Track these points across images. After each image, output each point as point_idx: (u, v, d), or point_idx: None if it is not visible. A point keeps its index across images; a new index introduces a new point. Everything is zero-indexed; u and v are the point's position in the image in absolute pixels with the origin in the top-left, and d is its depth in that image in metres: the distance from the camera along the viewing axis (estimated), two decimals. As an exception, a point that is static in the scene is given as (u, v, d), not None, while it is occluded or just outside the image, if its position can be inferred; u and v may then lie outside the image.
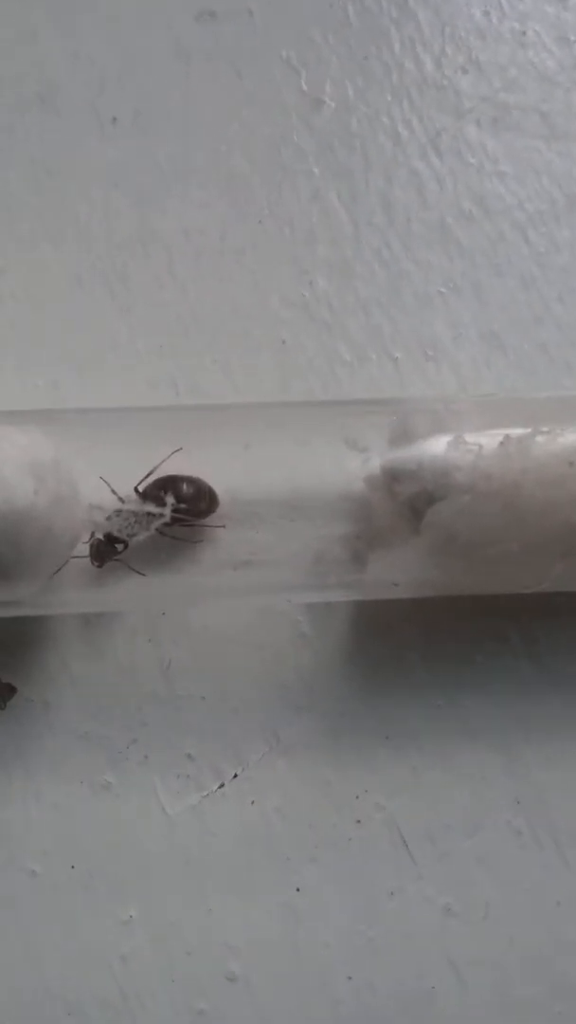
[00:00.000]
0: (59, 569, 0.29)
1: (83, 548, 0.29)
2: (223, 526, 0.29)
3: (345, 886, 0.30)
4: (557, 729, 0.31)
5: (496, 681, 0.31)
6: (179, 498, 0.28)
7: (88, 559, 0.29)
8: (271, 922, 0.30)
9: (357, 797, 0.31)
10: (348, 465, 0.29)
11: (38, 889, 0.30)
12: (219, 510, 0.29)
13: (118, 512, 0.28)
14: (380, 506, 0.29)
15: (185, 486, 0.29)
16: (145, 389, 0.33)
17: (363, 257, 0.34)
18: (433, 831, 0.30)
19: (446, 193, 0.35)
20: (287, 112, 0.35)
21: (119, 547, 0.29)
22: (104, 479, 0.29)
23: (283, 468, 0.30)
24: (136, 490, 0.29)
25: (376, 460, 0.29)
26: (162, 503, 0.28)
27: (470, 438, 0.28)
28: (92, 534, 0.29)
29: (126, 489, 0.29)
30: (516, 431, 0.28)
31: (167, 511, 0.28)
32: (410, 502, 0.28)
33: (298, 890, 0.30)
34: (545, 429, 0.28)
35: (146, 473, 0.29)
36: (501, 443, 0.28)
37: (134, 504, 0.28)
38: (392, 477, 0.28)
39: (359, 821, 0.30)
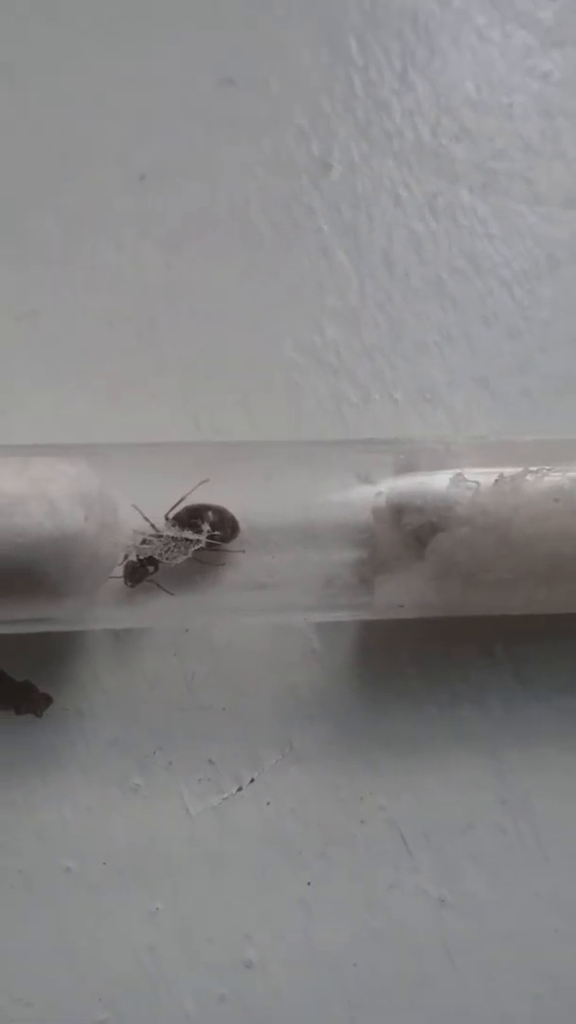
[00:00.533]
0: (99, 588, 0.30)
1: (118, 570, 0.30)
2: (243, 551, 0.31)
3: (351, 880, 0.31)
4: (539, 738, 0.32)
5: (486, 695, 0.32)
6: (210, 532, 0.30)
7: (121, 579, 0.30)
8: (285, 913, 0.31)
9: (362, 799, 0.32)
10: (357, 498, 0.30)
11: (72, 884, 0.31)
12: (240, 536, 0.31)
13: (157, 536, 0.30)
14: (386, 535, 0.30)
15: (210, 514, 0.30)
16: (169, 425, 0.34)
17: (367, 308, 0.36)
18: (429, 830, 0.32)
19: (441, 251, 0.36)
20: (299, 174, 0.37)
21: (151, 569, 0.30)
22: (136, 507, 0.30)
23: (298, 499, 0.31)
24: (166, 517, 0.30)
25: (383, 494, 0.30)
26: (196, 529, 0.30)
27: (469, 476, 0.30)
28: (125, 556, 0.30)
29: (157, 516, 0.30)
30: (509, 470, 0.30)
31: (203, 537, 0.30)
32: (415, 532, 0.30)
33: (309, 884, 0.31)
34: (534, 469, 0.30)
35: (175, 502, 0.30)
36: (496, 481, 0.29)
37: (173, 530, 0.30)
38: (398, 509, 0.30)
39: (363, 821, 0.32)
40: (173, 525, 0.30)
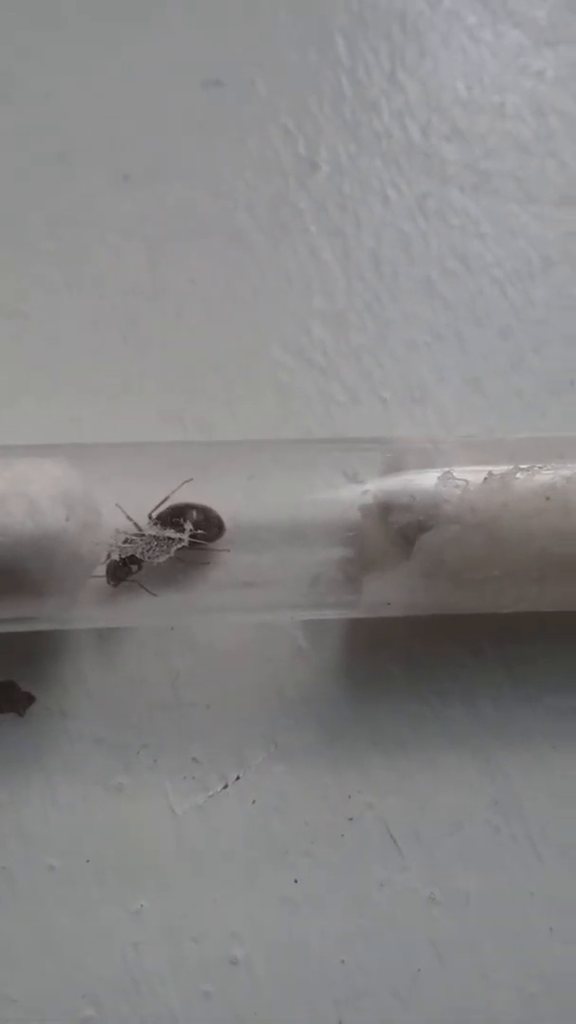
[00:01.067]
0: (82, 587, 0.31)
1: (100, 569, 0.30)
2: (228, 550, 0.30)
3: (339, 878, 0.31)
4: (530, 736, 0.32)
5: (476, 693, 0.32)
6: (193, 531, 0.30)
7: (104, 579, 0.30)
8: (271, 911, 0.31)
9: (349, 797, 0.32)
10: (344, 496, 0.30)
11: (56, 882, 0.31)
12: (225, 535, 0.31)
13: (139, 536, 0.30)
14: (373, 533, 0.30)
15: (195, 513, 0.30)
16: (156, 425, 0.34)
17: (355, 308, 0.36)
18: (419, 828, 0.31)
19: (431, 251, 0.37)
20: (286, 174, 0.37)
21: (134, 568, 0.30)
22: (120, 506, 0.30)
23: (284, 498, 0.31)
24: (150, 516, 0.30)
25: (371, 492, 0.30)
26: (179, 528, 0.30)
27: (457, 474, 0.30)
28: (108, 555, 0.30)
29: (141, 516, 0.30)
30: (498, 468, 0.30)
31: (186, 536, 0.30)
32: (402, 530, 0.30)
33: (296, 882, 0.31)
34: (524, 467, 0.30)
35: (159, 501, 0.30)
36: (485, 479, 0.29)
37: (155, 529, 0.30)
38: (386, 507, 0.30)
39: (351, 819, 0.32)
40: (156, 524, 0.30)
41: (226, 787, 0.32)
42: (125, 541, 0.30)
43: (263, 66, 0.38)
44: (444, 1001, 0.31)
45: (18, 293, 0.35)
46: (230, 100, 0.38)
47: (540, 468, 0.30)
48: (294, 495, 0.31)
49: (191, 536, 0.30)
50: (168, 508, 0.31)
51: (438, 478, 0.30)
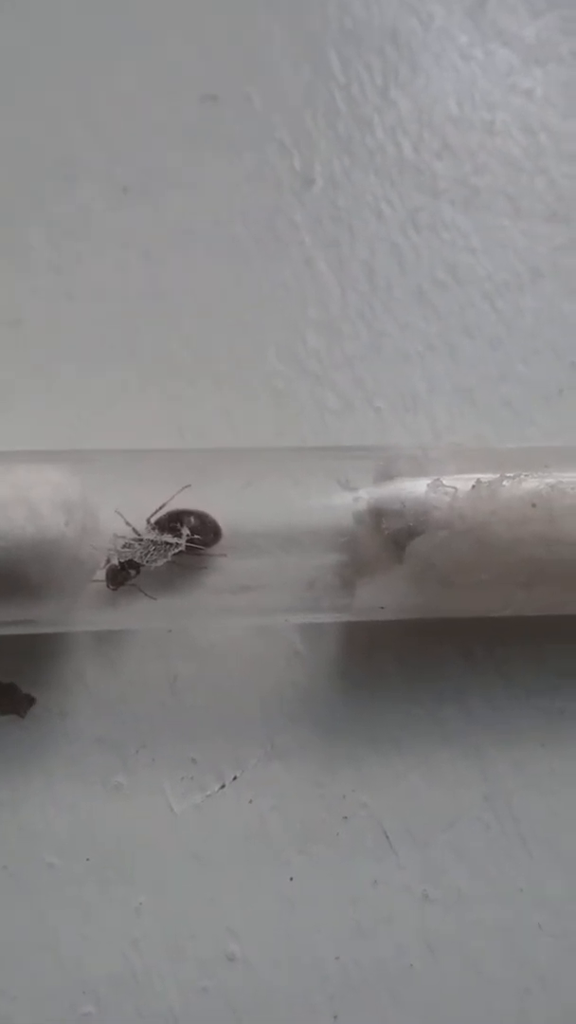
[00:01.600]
0: (81, 591, 0.31)
1: (100, 573, 0.31)
2: (225, 555, 0.31)
3: (333, 875, 0.32)
4: (520, 736, 0.33)
5: (467, 694, 0.33)
6: (188, 530, 0.31)
7: (104, 583, 0.31)
8: (267, 908, 0.31)
9: (344, 796, 0.32)
10: (338, 503, 0.31)
11: (56, 880, 0.31)
12: (222, 541, 0.31)
13: (138, 540, 0.31)
14: (367, 539, 0.31)
15: (193, 519, 0.31)
16: (154, 432, 0.35)
17: (349, 318, 0.36)
18: (412, 826, 0.32)
19: (423, 264, 0.37)
20: (281, 188, 0.38)
21: (133, 572, 0.31)
22: (119, 512, 0.31)
23: (280, 504, 0.31)
24: (148, 522, 0.31)
25: (364, 499, 0.31)
26: (177, 533, 0.31)
27: (447, 481, 0.30)
28: (108, 560, 0.31)
29: (139, 521, 0.31)
30: (486, 476, 0.30)
31: (183, 541, 0.30)
32: (394, 536, 0.30)
33: (291, 879, 0.32)
34: (511, 475, 0.30)
35: (157, 507, 0.31)
36: (473, 487, 0.30)
37: (154, 534, 0.31)
38: (378, 514, 0.31)
39: (346, 817, 0.32)
40: (154, 529, 0.31)
41: (223, 787, 0.32)
42: (124, 546, 0.31)
43: (259, 82, 0.39)
44: (437, 996, 0.31)
45: (18, 302, 0.36)
46: (227, 115, 0.38)
47: (526, 476, 0.30)
48: (289, 502, 0.32)
49: (188, 541, 0.31)
50: (166, 514, 0.31)
51: (428, 485, 0.30)
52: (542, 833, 0.32)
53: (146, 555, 0.31)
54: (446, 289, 0.37)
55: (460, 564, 0.30)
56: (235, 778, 0.32)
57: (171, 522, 0.31)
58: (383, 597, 0.31)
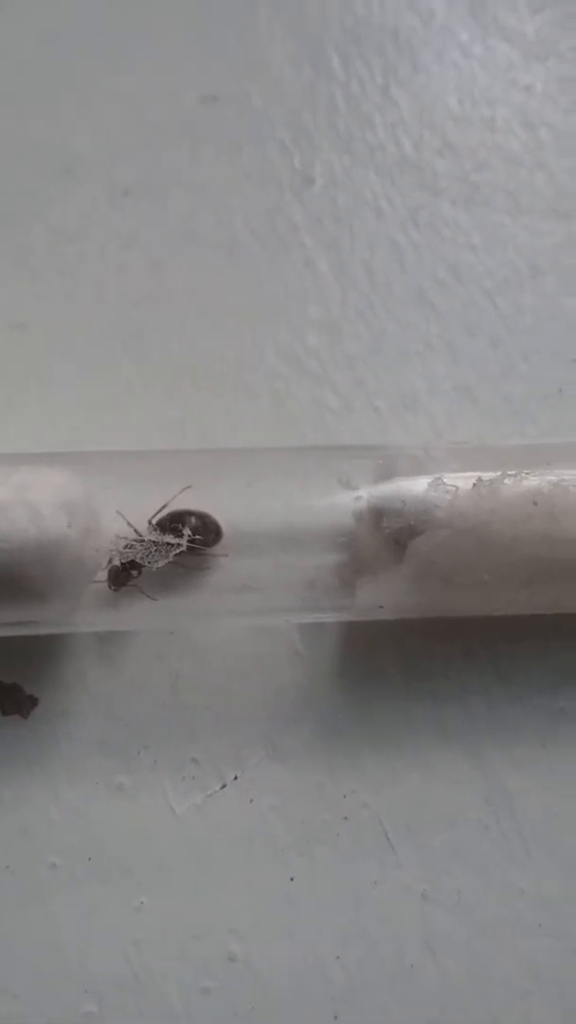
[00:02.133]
0: (83, 592, 0.31)
1: (102, 574, 0.31)
2: (227, 555, 0.31)
3: (334, 876, 0.32)
4: (520, 736, 0.33)
5: (468, 694, 0.33)
6: (189, 530, 0.31)
7: (106, 584, 0.31)
8: (268, 908, 0.31)
9: (345, 796, 0.32)
10: (339, 502, 0.31)
11: (58, 880, 0.31)
12: (223, 541, 0.31)
13: (139, 541, 0.31)
14: (367, 538, 0.31)
15: (193, 519, 0.31)
16: (156, 432, 0.35)
17: (349, 318, 0.36)
18: (412, 826, 0.32)
19: (423, 262, 0.37)
20: (281, 187, 0.38)
21: (134, 573, 0.31)
22: (121, 513, 0.31)
23: (280, 504, 0.31)
24: (150, 522, 0.31)
25: (364, 498, 0.31)
26: (178, 534, 0.31)
27: (447, 480, 0.30)
28: (109, 561, 0.31)
29: (141, 522, 0.31)
30: (487, 475, 0.30)
31: (183, 541, 0.31)
32: (394, 535, 0.30)
33: (292, 879, 0.32)
34: (512, 473, 0.30)
35: (159, 508, 0.31)
36: (474, 485, 0.30)
37: (155, 535, 0.31)
38: (379, 513, 0.30)
39: (346, 818, 0.32)
40: (155, 530, 0.31)
41: (224, 787, 0.32)
42: (126, 547, 0.31)
43: (259, 81, 0.39)
44: (437, 996, 0.31)
45: (21, 305, 0.36)
46: (227, 115, 0.38)
47: (527, 474, 0.30)
48: (290, 501, 0.32)
49: (190, 542, 0.31)
50: (167, 514, 0.31)
51: (428, 484, 0.30)
52: (542, 833, 0.32)
53: (147, 556, 0.31)
54: (446, 287, 0.37)
55: (461, 563, 0.30)
56: (236, 778, 0.32)
57: (172, 523, 0.31)
58: (383, 596, 0.31)
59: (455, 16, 0.40)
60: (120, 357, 0.36)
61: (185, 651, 0.33)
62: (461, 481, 0.30)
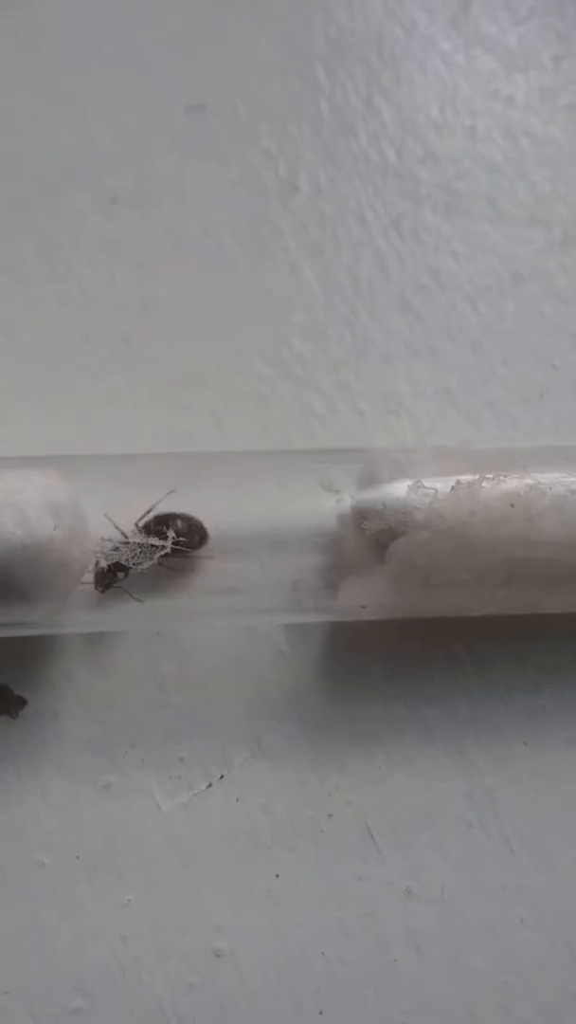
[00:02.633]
0: (70, 594, 0.32)
1: (89, 576, 0.31)
2: (212, 557, 0.31)
3: (319, 872, 0.32)
4: (502, 734, 0.33)
5: (450, 693, 0.33)
6: (175, 532, 0.31)
7: (92, 585, 0.31)
8: (254, 904, 0.32)
9: (329, 795, 0.33)
10: (322, 505, 0.31)
11: (47, 878, 0.32)
12: (208, 543, 0.32)
13: (125, 543, 0.31)
14: (350, 540, 0.31)
15: (180, 522, 0.31)
16: (143, 436, 0.35)
17: (333, 323, 0.37)
18: (395, 824, 0.32)
19: (406, 269, 0.38)
20: (267, 195, 0.38)
21: (120, 575, 0.31)
22: (108, 515, 0.31)
23: (265, 507, 0.32)
24: (136, 525, 0.31)
25: (347, 501, 0.31)
26: (163, 536, 0.31)
27: (427, 483, 0.31)
28: (96, 563, 0.31)
29: (128, 525, 0.31)
30: (466, 477, 0.31)
31: (168, 544, 0.31)
32: (376, 537, 0.31)
33: (277, 876, 0.32)
34: (490, 476, 0.31)
35: (145, 511, 0.31)
36: (453, 488, 0.30)
37: (140, 537, 0.31)
38: (361, 515, 0.31)
39: (331, 815, 0.32)
40: (141, 532, 0.31)
41: (211, 785, 0.33)
42: (112, 549, 0.31)
43: (245, 91, 0.39)
44: (420, 991, 0.32)
45: (10, 312, 0.36)
46: (213, 124, 0.39)
47: (504, 477, 0.31)
48: (274, 504, 0.32)
49: (175, 544, 0.31)
50: (153, 517, 0.31)
51: (409, 487, 0.31)
52: (524, 830, 0.33)
53: (133, 558, 0.31)
54: (429, 293, 0.37)
55: (441, 564, 0.31)
56: (222, 777, 0.33)
57: (158, 525, 0.31)
58: (366, 597, 0.32)
59: (437, 27, 0.41)
60: (108, 362, 0.36)
61: (171, 652, 0.33)
62: (440, 484, 0.31)
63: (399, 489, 0.31)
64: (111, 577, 0.31)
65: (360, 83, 0.40)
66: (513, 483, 0.31)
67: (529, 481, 0.31)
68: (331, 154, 0.39)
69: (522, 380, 0.37)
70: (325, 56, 0.40)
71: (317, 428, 0.36)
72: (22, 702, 0.33)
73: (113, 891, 0.32)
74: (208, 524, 0.32)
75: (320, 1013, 0.31)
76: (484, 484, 0.31)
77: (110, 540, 0.31)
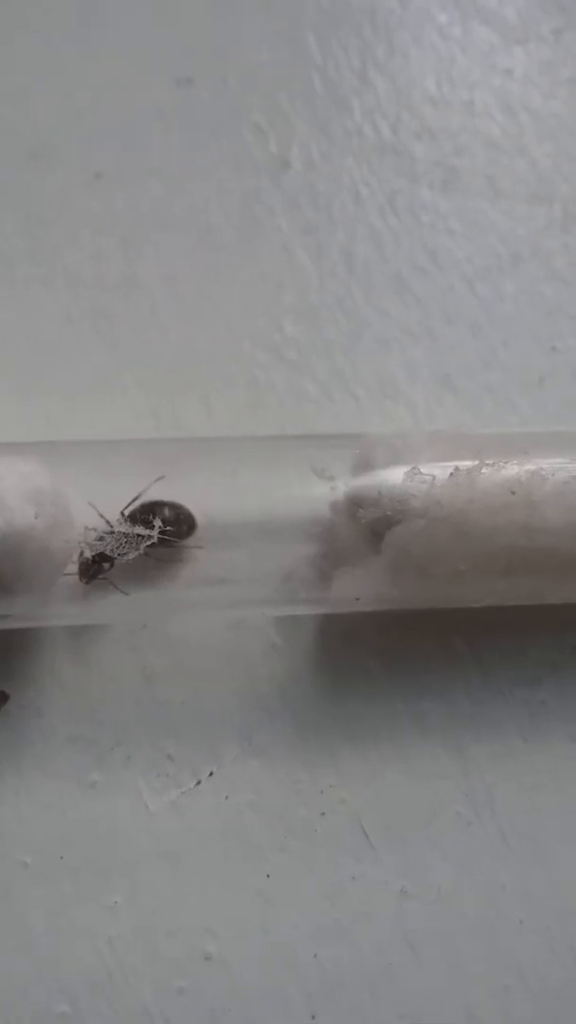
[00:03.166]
0: (53, 585, 0.31)
1: (72, 566, 0.30)
2: (201, 547, 0.31)
3: (311, 872, 0.32)
4: (501, 730, 0.33)
5: (448, 688, 0.33)
6: (162, 521, 0.30)
7: (76, 577, 0.30)
8: (244, 906, 0.31)
9: (322, 792, 0.32)
10: (315, 492, 0.31)
11: (30, 879, 0.31)
12: (197, 532, 0.31)
13: (110, 533, 0.30)
14: (344, 529, 0.30)
15: (167, 510, 0.30)
16: (129, 421, 0.34)
17: (327, 305, 0.36)
18: (391, 822, 0.32)
19: (402, 248, 0.37)
20: (258, 172, 0.37)
21: (105, 566, 0.30)
22: (92, 504, 0.30)
23: (256, 495, 0.31)
24: (122, 514, 0.30)
25: (341, 488, 0.30)
26: (149, 525, 0.30)
27: (424, 469, 0.30)
28: (81, 553, 0.30)
29: (113, 513, 0.30)
30: (464, 463, 0.30)
31: (155, 533, 0.30)
32: (371, 525, 0.30)
33: (268, 876, 0.31)
34: (489, 462, 0.30)
35: (132, 499, 0.30)
36: (451, 474, 0.30)
37: (125, 526, 0.30)
38: (355, 503, 0.30)
39: (324, 813, 0.32)
40: (127, 522, 0.30)
41: (199, 783, 0.32)
42: (97, 539, 0.30)
43: (235, 64, 0.38)
44: (416, 994, 0.31)
45: (-9, 291, 0.36)
46: (202, 98, 0.38)
47: (505, 463, 0.30)
48: (265, 492, 0.31)
49: (162, 533, 0.30)
50: (140, 505, 0.31)
51: (405, 474, 0.30)
52: (523, 828, 0.32)
53: (119, 548, 0.30)
54: (425, 274, 0.37)
55: (438, 553, 0.30)
56: (211, 774, 0.32)
57: (145, 514, 0.30)
58: (360, 588, 0.31)
59: (434, -2, 0.40)
60: (93, 344, 0.35)
61: (158, 646, 0.33)
62: (438, 470, 0.30)
63: (395, 475, 0.30)
64: (96, 568, 0.30)
65: (354, 55, 0.39)
66: (514, 469, 0.30)
67: (530, 467, 0.30)
68: (324, 129, 0.38)
69: (522, 363, 0.36)
70: (317, 27, 0.39)
71: (311, 414, 0.35)
72: (5, 697, 0.33)
73: (99, 892, 0.31)
74: (197, 512, 0.31)
75: (313, 1018, 0.31)
76: (484, 470, 0.30)
77: (94, 529, 0.30)
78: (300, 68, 0.38)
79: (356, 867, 0.32)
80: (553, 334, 0.36)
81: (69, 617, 0.32)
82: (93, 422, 0.34)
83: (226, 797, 0.32)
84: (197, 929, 0.31)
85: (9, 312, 0.36)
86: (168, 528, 0.30)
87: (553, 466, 0.30)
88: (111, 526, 0.30)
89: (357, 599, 0.31)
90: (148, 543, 0.30)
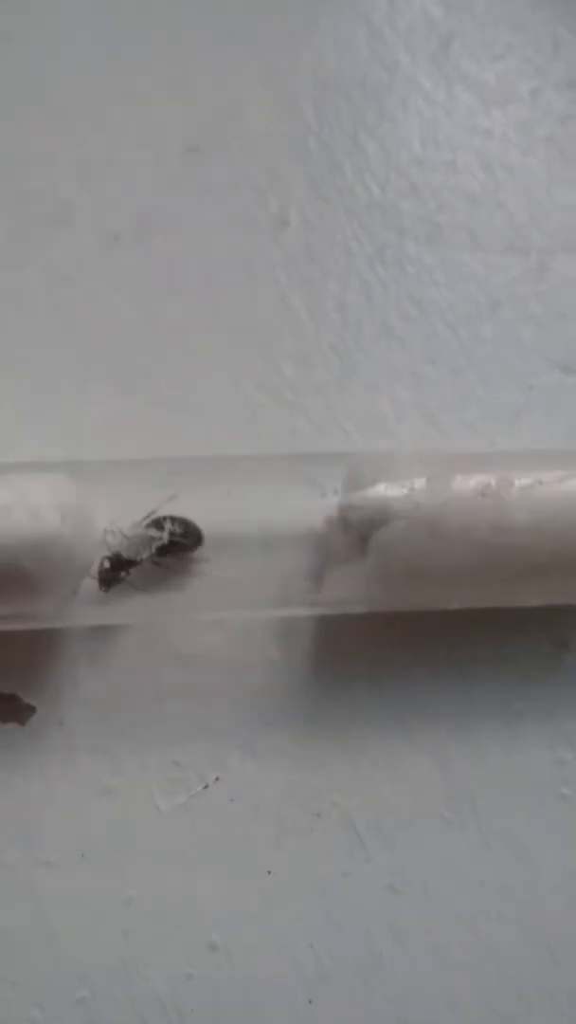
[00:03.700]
0: (76, 588, 0.33)
1: (92, 570, 0.33)
2: (208, 560, 0.33)
3: (307, 869, 0.34)
4: (480, 736, 0.35)
5: (431, 698, 0.35)
6: (172, 534, 0.33)
7: (97, 584, 0.33)
8: (247, 900, 0.33)
9: (317, 795, 0.34)
10: (310, 507, 0.33)
11: (54, 876, 0.33)
12: (204, 544, 0.33)
13: (126, 536, 0.33)
14: (335, 539, 0.33)
15: (177, 524, 0.33)
16: (143, 447, 0.35)
17: (321, 350, 0.39)
18: (380, 822, 0.34)
19: (390, 297, 0.39)
20: (259, 230, 0.40)
21: (123, 574, 0.33)
22: (112, 520, 0.33)
23: (256, 509, 0.33)
24: (142, 523, 0.33)
25: (333, 502, 0.33)
26: (161, 530, 0.33)
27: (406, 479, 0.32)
28: (101, 563, 0.33)
29: (128, 525, 0.33)
30: (440, 470, 0.32)
31: (165, 535, 0.33)
32: (358, 529, 0.32)
33: (269, 873, 0.34)
34: (463, 469, 0.32)
35: (146, 514, 0.33)
36: (428, 479, 0.32)
37: (139, 529, 0.33)
38: (344, 511, 0.33)
39: (319, 815, 0.34)
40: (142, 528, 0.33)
41: (206, 787, 0.34)
42: (116, 541, 0.33)
43: (237, 132, 0.41)
44: (404, 981, 0.33)
45: (20, 344, 0.38)
46: (207, 164, 0.41)
47: (475, 472, 0.32)
48: (265, 506, 0.34)
49: (172, 542, 0.33)
50: (152, 520, 0.33)
51: (388, 482, 0.32)
52: (501, 827, 0.34)
53: (132, 548, 0.33)
54: (411, 320, 0.39)
55: (418, 552, 0.32)
56: (217, 779, 0.34)
57: (157, 527, 0.33)
58: (349, 591, 0.33)
59: (419, 66, 0.43)
60: (110, 388, 0.38)
61: (168, 660, 0.35)
62: (418, 479, 0.33)
63: (380, 486, 0.33)
64: (114, 576, 0.33)
65: (346, 121, 0.42)
66: (484, 476, 0.33)
67: (499, 473, 0.33)
68: (319, 190, 0.41)
69: (499, 400, 0.38)
70: (314, 96, 0.42)
71: (305, 448, 0.38)
72: (31, 710, 0.35)
73: (116, 888, 0.34)
74: (204, 527, 0.33)
75: (310, 1002, 0.33)
76: (458, 476, 0.32)
77: (112, 532, 0.33)
78: (297, 134, 0.41)
79: (348, 864, 0.34)
80: (529, 374, 0.39)
81: (89, 618, 0.34)
82: (112, 448, 0.36)
83: (230, 800, 0.34)
84: (203, 921, 0.33)
85: (36, 362, 0.38)
86: (176, 532, 0.33)
87: (520, 471, 0.33)
88: (125, 535, 0.33)
89: (349, 601, 0.33)
90: (159, 544, 0.33)
